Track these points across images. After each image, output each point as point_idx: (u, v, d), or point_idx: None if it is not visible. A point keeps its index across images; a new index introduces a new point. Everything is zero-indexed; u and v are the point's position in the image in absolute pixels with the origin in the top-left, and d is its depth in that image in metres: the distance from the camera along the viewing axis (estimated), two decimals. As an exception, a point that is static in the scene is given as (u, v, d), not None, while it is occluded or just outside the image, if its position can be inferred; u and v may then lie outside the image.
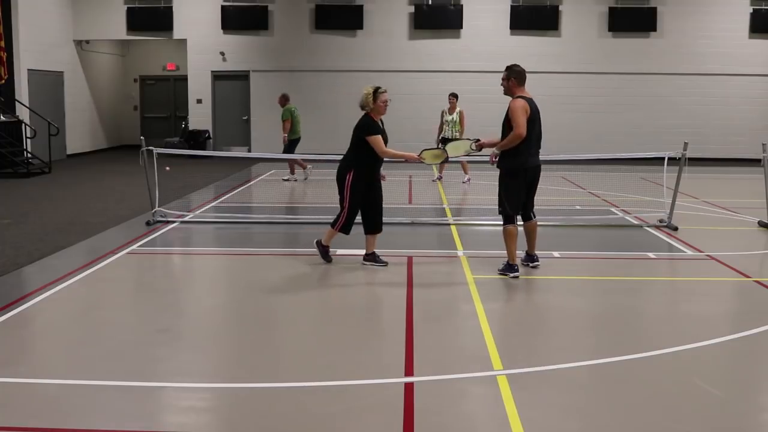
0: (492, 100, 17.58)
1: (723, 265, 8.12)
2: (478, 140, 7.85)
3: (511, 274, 7.41)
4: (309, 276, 7.64)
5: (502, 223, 7.52)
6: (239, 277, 7.68)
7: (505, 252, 7.50)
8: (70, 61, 20.80)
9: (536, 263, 7.81)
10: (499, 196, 7.50)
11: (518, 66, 7.47)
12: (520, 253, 7.81)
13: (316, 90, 21.39)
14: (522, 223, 7.73)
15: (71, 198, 12.98)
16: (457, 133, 14.77)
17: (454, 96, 15.53)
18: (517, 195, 7.40)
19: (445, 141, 13.93)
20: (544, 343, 5.71)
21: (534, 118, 7.28)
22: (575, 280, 7.68)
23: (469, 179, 15.28)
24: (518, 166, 7.33)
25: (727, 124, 21.43)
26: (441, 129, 15.22)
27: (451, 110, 15.25)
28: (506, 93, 7.46)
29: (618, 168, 17.98)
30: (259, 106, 21.64)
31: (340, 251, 8.55)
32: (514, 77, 7.39)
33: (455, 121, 15.07)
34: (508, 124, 7.32)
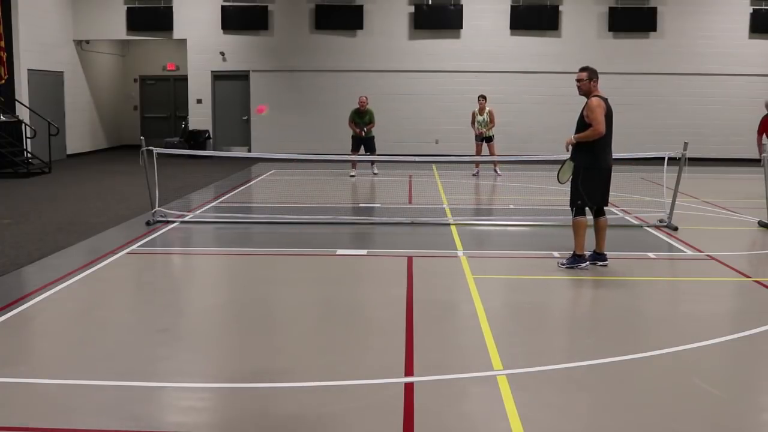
0: (492, 100, 17.68)
1: (723, 265, 8.12)
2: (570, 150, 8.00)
3: (581, 265, 7.65)
4: (309, 276, 7.64)
5: (572, 215, 7.77)
6: (239, 277, 7.67)
7: (505, 251, 7.52)
8: (70, 61, 20.80)
9: (605, 262, 7.90)
10: (576, 189, 7.73)
11: (591, 66, 7.76)
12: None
13: (316, 90, 21.40)
14: (592, 219, 7.91)
15: (71, 198, 12.98)
16: (488, 131, 16.57)
17: (483, 97, 16.74)
18: (595, 190, 7.66)
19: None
20: (544, 343, 5.71)
21: (609, 117, 7.53)
22: (575, 280, 7.68)
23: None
24: (597, 163, 7.62)
25: (727, 124, 21.43)
26: (474, 126, 16.77)
27: (481, 111, 16.60)
28: (583, 93, 7.69)
29: (618, 168, 17.90)
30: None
31: (339, 251, 8.56)
32: (595, 78, 7.63)
33: (486, 121, 16.53)
34: (583, 123, 7.57)
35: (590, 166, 7.65)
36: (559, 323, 6.27)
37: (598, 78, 7.67)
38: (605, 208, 7.87)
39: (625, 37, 21.22)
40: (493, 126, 16.62)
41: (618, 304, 6.78)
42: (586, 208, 7.81)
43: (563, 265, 7.81)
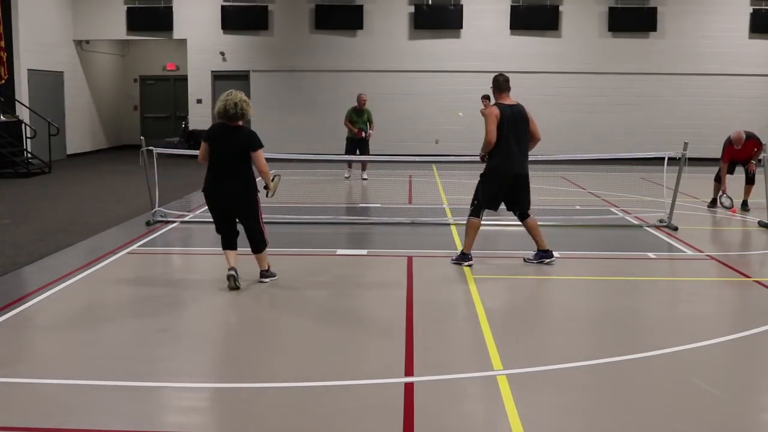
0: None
1: (723, 265, 8.12)
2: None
3: (465, 263, 7.75)
4: (309, 276, 7.64)
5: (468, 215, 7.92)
6: (239, 278, 7.66)
7: (505, 251, 7.53)
8: (70, 61, 20.80)
9: (551, 259, 7.91)
10: (476, 189, 7.91)
11: (500, 75, 7.89)
12: (528, 253, 8.07)
13: (316, 90, 21.39)
14: (520, 222, 8.03)
15: (71, 198, 12.98)
16: None
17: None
18: (489, 193, 7.77)
19: None
20: (544, 343, 5.71)
21: (505, 125, 7.54)
22: (575, 280, 7.68)
23: None
24: (493, 167, 7.72)
25: (727, 124, 21.31)
26: None
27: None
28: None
29: (618, 168, 17.99)
30: (259, 106, 21.54)
31: (340, 251, 8.55)
32: (492, 85, 7.86)
33: None
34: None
35: (487, 172, 7.76)
36: (559, 323, 6.27)
37: (498, 85, 7.75)
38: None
39: (625, 37, 21.22)
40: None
41: (618, 304, 6.77)
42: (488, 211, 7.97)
43: (452, 260, 7.94)
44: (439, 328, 5.95)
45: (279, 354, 5.39)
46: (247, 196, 6.97)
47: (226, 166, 6.90)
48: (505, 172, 7.68)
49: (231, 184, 6.90)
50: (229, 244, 7.19)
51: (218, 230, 7.22)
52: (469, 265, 7.76)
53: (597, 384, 4.90)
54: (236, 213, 7.09)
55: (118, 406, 4.45)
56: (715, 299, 7.09)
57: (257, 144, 7.02)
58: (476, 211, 7.82)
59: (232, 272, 6.95)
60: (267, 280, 7.30)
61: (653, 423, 4.24)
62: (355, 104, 15.61)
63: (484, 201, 7.82)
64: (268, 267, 7.34)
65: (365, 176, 15.71)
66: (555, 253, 8.42)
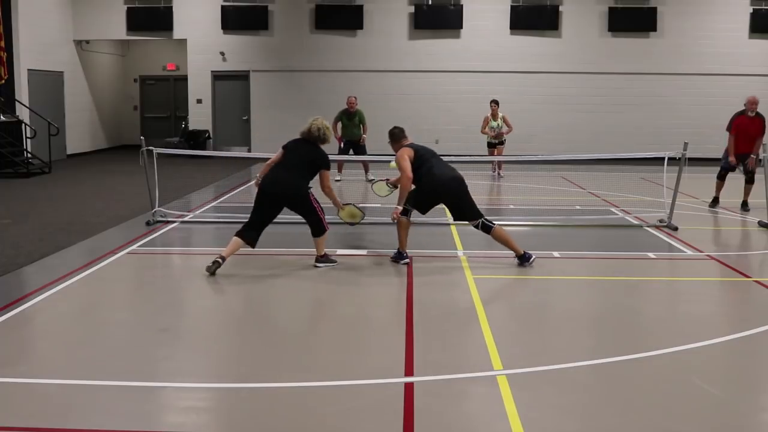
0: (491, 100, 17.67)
1: (723, 265, 8.12)
2: (388, 179, 9.03)
3: (402, 261, 7.93)
4: (309, 276, 7.64)
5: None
6: (239, 277, 7.66)
7: (505, 251, 7.55)
8: (70, 61, 20.80)
9: (528, 261, 7.84)
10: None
11: (394, 128, 8.53)
12: (512, 260, 7.99)
13: (316, 90, 21.38)
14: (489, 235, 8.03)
15: (71, 198, 12.98)
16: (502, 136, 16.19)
17: (495, 102, 16.15)
18: (418, 199, 7.99)
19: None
20: (544, 343, 5.71)
21: (422, 154, 8.06)
22: (575, 280, 7.68)
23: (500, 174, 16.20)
24: (425, 185, 7.95)
25: (727, 124, 21.39)
26: (486, 132, 16.21)
27: (495, 117, 16.07)
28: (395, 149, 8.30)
29: (618, 168, 17.99)
30: (259, 106, 21.65)
31: (340, 251, 8.55)
32: (389, 140, 8.42)
33: (500, 125, 16.08)
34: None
35: (421, 186, 7.97)
36: (559, 323, 6.27)
37: (393, 137, 8.39)
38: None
39: (625, 37, 21.21)
40: (511, 131, 16.29)
41: (618, 304, 6.77)
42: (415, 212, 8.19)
43: (391, 258, 8.11)
44: (439, 328, 5.95)
45: (279, 354, 5.39)
46: (299, 192, 7.70)
47: (291, 166, 7.73)
48: (434, 185, 7.94)
49: (293, 180, 7.67)
50: (244, 234, 7.64)
51: (251, 217, 7.75)
52: (406, 263, 7.92)
53: (597, 384, 4.90)
54: (290, 205, 7.78)
55: (118, 406, 4.45)
56: (715, 299, 7.09)
57: (327, 164, 7.91)
58: (405, 212, 7.98)
59: (219, 260, 7.42)
60: (321, 265, 7.83)
61: (653, 423, 4.24)
62: (345, 107, 14.94)
63: (412, 203, 8.03)
64: (324, 254, 7.89)
65: (371, 177, 14.57)
66: (555, 253, 8.43)
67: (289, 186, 7.66)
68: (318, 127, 7.83)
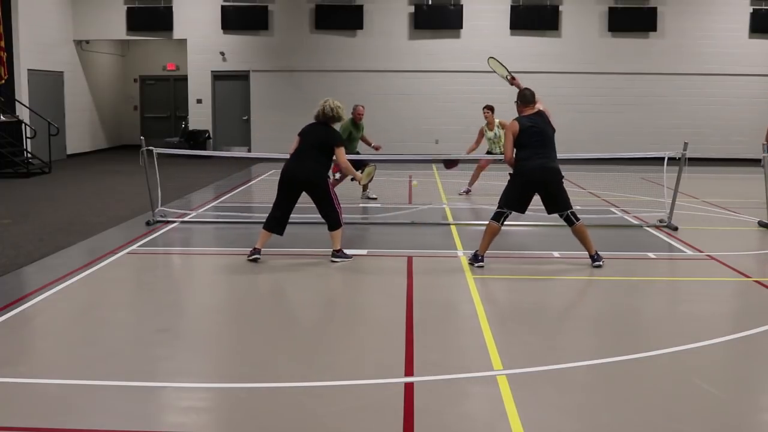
0: (492, 100, 17.61)
1: (723, 265, 8.12)
2: (514, 78, 8.81)
3: (476, 264, 7.78)
4: (309, 276, 7.64)
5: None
6: (239, 277, 7.67)
7: (506, 251, 7.55)
8: (70, 61, 20.80)
9: (597, 263, 7.84)
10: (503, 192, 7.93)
11: (526, 89, 8.02)
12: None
13: (316, 90, 21.32)
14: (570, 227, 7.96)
15: (71, 198, 12.98)
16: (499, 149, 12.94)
17: (489, 109, 13.25)
18: (511, 194, 7.76)
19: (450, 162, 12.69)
20: (544, 343, 5.71)
21: (528, 131, 7.77)
22: (575, 280, 7.68)
23: (467, 191, 13.82)
24: (518, 169, 7.75)
25: (727, 124, 21.42)
26: (477, 145, 13.40)
27: (490, 126, 13.17)
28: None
29: (618, 168, 17.99)
30: (259, 106, 21.65)
31: (340, 251, 8.54)
32: (516, 100, 8.01)
33: (498, 136, 12.98)
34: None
35: (514, 173, 7.82)
36: (559, 323, 6.27)
37: (524, 99, 7.97)
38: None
39: (625, 37, 21.22)
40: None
41: (618, 304, 6.77)
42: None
43: (469, 259, 7.95)
44: (439, 327, 5.95)
45: (279, 354, 5.39)
46: (315, 176, 7.89)
47: (307, 149, 7.93)
48: (526, 171, 7.73)
49: (308, 164, 7.88)
50: (271, 225, 8.03)
51: (274, 207, 8.06)
52: (481, 266, 7.75)
53: (597, 384, 4.90)
54: (309, 193, 7.96)
55: (118, 406, 4.44)
56: (715, 299, 7.08)
57: (338, 139, 8.11)
58: (497, 215, 7.78)
59: (256, 254, 7.92)
60: (338, 260, 7.98)
61: (653, 423, 4.24)
62: (352, 116, 12.49)
63: (504, 202, 7.79)
64: (341, 248, 8.03)
65: (373, 195, 13.23)
66: (555, 253, 8.43)
67: (305, 170, 7.87)
68: (330, 107, 8.03)
